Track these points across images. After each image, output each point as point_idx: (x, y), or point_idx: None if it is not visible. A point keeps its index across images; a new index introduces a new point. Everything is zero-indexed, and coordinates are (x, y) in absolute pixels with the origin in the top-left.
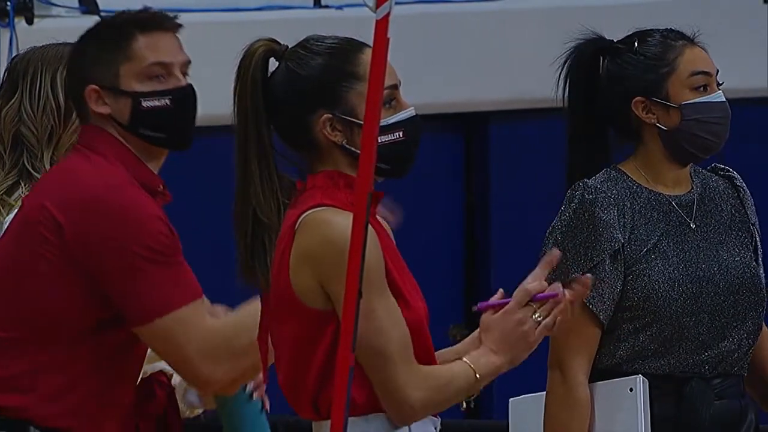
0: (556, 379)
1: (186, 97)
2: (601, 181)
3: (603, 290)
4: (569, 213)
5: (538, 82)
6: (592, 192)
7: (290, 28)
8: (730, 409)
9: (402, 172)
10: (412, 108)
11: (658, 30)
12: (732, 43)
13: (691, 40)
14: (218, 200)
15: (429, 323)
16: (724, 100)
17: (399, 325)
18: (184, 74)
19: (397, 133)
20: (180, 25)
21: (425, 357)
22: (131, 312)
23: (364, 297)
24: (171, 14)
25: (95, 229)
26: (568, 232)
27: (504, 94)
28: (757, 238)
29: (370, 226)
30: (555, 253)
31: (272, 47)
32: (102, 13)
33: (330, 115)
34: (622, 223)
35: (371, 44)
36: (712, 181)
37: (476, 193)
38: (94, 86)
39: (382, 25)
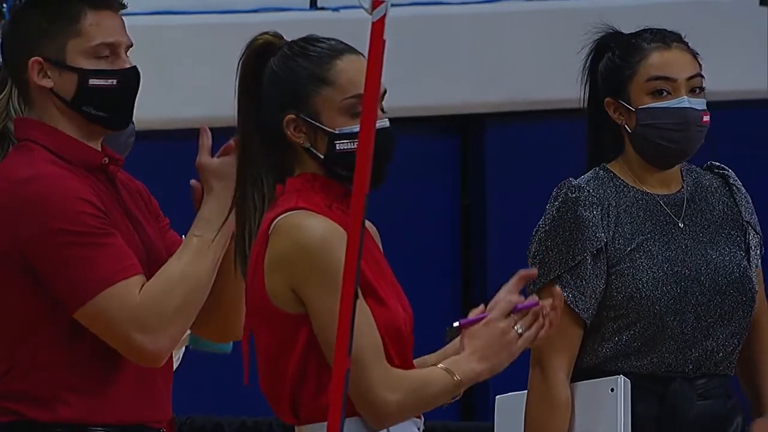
0: (536, 377)
1: (131, 78)
2: (586, 180)
3: (585, 289)
4: (553, 211)
5: (534, 84)
6: (575, 191)
7: (286, 30)
8: (715, 409)
9: (372, 183)
10: (387, 120)
11: (647, 30)
12: (730, 45)
13: (669, 43)
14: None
15: (423, 327)
16: (687, 106)
17: (369, 328)
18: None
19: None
20: (124, 5)
21: (402, 360)
22: (65, 300)
23: (333, 299)
24: None
25: (14, 227)
26: (552, 231)
27: (499, 96)
28: (751, 238)
29: (341, 230)
30: (532, 272)
31: (270, 42)
32: None
33: (293, 116)
34: (605, 223)
35: (367, 46)
36: (706, 179)
37: (472, 195)
38: (38, 58)
39: (378, 27)
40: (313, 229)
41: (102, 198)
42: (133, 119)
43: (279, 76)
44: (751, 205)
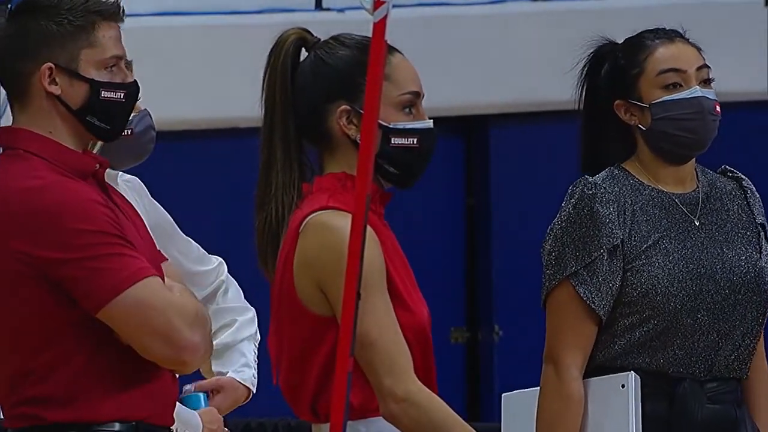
0: (549, 373)
1: (136, 93)
2: (602, 178)
3: (600, 286)
4: (569, 208)
5: (539, 85)
6: (591, 187)
7: None
8: (724, 414)
9: (408, 180)
10: (431, 121)
11: (648, 30)
12: (733, 46)
13: (672, 38)
14: (206, 202)
15: (430, 328)
16: (699, 95)
17: (388, 330)
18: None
19: (411, 139)
20: (123, 20)
21: (426, 362)
22: (92, 295)
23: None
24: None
25: (33, 235)
26: (568, 227)
27: (504, 97)
28: (764, 242)
29: (371, 229)
30: None
31: (304, 36)
32: None
33: (348, 107)
34: (621, 220)
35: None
36: (720, 182)
37: (477, 195)
38: (50, 64)
39: (379, 28)
40: (342, 230)
41: (105, 201)
42: (154, 125)
43: (328, 65)
44: (763, 209)
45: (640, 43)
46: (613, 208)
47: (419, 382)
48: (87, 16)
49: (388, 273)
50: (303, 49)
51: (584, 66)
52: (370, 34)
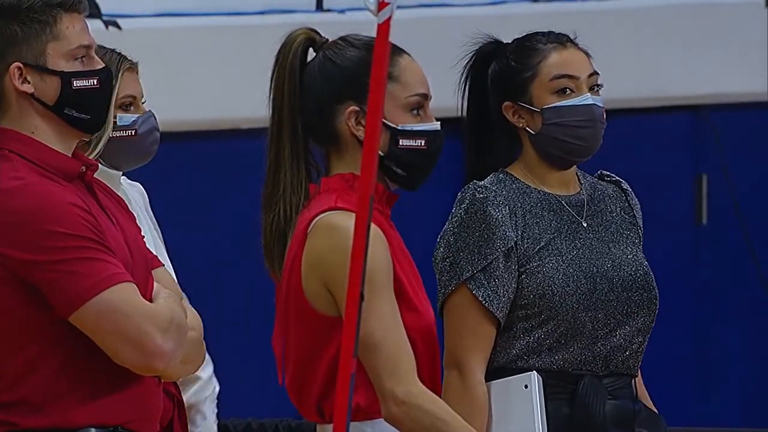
0: (453, 379)
1: (110, 78)
2: (490, 182)
3: (498, 288)
4: (461, 213)
5: None
6: (482, 191)
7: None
8: (624, 408)
9: (415, 182)
10: (439, 123)
11: (539, 33)
12: (733, 46)
13: (564, 42)
14: (207, 203)
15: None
16: (591, 103)
17: (392, 331)
18: None
19: (419, 141)
20: (86, 9)
21: (432, 362)
22: (64, 299)
23: (366, 298)
24: None
25: (5, 237)
26: (461, 232)
27: None
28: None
29: (380, 231)
30: None
31: (312, 36)
32: (104, 17)
33: (357, 108)
34: (513, 222)
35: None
36: (600, 185)
37: None
38: (18, 63)
39: (383, 29)
40: (351, 231)
41: (87, 205)
42: (158, 126)
43: (337, 65)
44: (641, 212)
45: (532, 46)
46: (506, 210)
47: (421, 384)
48: (48, 10)
49: (395, 273)
50: (311, 50)
51: (467, 66)
52: (371, 35)
